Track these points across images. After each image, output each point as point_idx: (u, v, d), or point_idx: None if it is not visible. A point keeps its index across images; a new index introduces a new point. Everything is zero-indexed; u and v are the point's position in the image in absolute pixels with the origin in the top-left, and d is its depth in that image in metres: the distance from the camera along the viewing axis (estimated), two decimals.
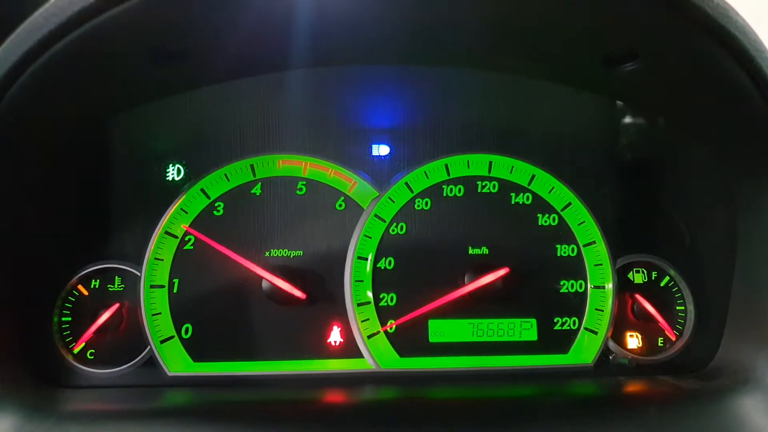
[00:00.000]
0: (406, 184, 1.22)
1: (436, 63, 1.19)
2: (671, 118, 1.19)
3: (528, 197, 1.23)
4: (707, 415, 0.91)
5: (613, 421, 0.91)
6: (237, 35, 0.94)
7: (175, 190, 1.19)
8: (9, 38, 0.78)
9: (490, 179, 1.24)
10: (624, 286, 1.22)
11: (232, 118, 1.22)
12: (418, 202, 1.22)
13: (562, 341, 1.19)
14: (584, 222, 1.22)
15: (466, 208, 1.22)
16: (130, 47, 0.89)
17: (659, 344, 1.20)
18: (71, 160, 1.12)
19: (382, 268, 1.19)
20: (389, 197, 1.22)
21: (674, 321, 1.21)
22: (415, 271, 1.19)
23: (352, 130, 1.25)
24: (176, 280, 1.16)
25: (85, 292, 1.15)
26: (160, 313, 1.14)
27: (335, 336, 1.17)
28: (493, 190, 1.23)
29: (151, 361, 1.12)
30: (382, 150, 1.25)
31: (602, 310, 1.19)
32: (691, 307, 1.21)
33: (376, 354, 1.16)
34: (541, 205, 1.23)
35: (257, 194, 1.20)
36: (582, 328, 1.19)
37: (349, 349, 1.16)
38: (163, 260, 1.16)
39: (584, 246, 1.22)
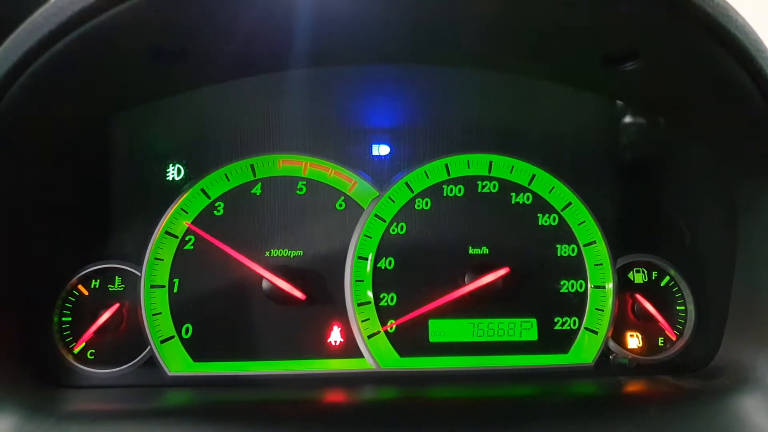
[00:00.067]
0: (407, 183, 1.22)
1: (437, 63, 1.19)
2: (671, 118, 1.19)
3: (528, 197, 1.23)
4: (708, 415, 0.91)
5: (614, 420, 0.91)
6: (237, 35, 0.94)
7: (175, 190, 1.19)
8: (9, 38, 0.78)
9: (491, 179, 1.24)
10: (624, 286, 1.22)
11: (232, 118, 1.22)
12: (419, 201, 1.22)
13: (563, 341, 1.19)
14: (584, 222, 1.22)
15: (467, 207, 1.22)
16: (130, 47, 0.89)
17: (659, 344, 1.20)
18: (71, 160, 1.12)
19: (383, 268, 1.19)
20: (389, 197, 1.22)
21: (674, 321, 1.21)
22: (416, 270, 1.19)
23: (352, 130, 1.25)
24: (176, 280, 1.16)
25: (86, 292, 1.15)
26: (160, 313, 1.14)
27: (335, 336, 1.17)
28: (493, 190, 1.23)
29: (152, 361, 1.12)
30: (382, 150, 1.25)
31: (602, 310, 1.19)
32: (691, 307, 1.21)
33: (377, 354, 1.16)
34: (541, 204, 1.23)
35: (257, 194, 1.20)
36: (582, 327, 1.19)
37: (350, 349, 1.16)
38: (163, 260, 1.16)
39: (584, 246, 1.22)
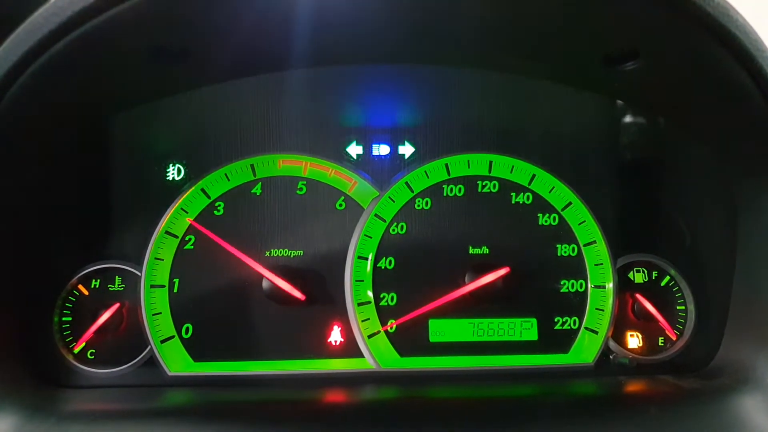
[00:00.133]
0: (407, 183, 1.23)
1: (437, 63, 1.19)
2: (671, 117, 1.19)
3: (528, 197, 1.23)
4: (708, 415, 0.91)
5: (614, 420, 0.91)
6: (237, 35, 0.94)
7: (176, 189, 1.19)
8: (9, 38, 0.78)
9: (491, 179, 1.24)
10: (624, 286, 1.22)
11: (232, 118, 1.22)
12: (419, 201, 1.22)
13: (563, 341, 1.19)
14: (584, 221, 1.22)
15: (467, 207, 1.22)
16: (131, 47, 0.89)
17: (660, 344, 1.20)
18: (71, 160, 1.12)
19: (383, 267, 1.19)
20: (389, 197, 1.22)
21: (675, 320, 1.21)
22: (416, 270, 1.19)
23: (352, 130, 1.25)
24: (176, 280, 1.16)
25: (86, 292, 1.15)
26: (160, 313, 1.14)
27: (336, 336, 1.17)
28: (493, 190, 1.23)
29: (152, 361, 1.12)
30: (382, 150, 1.25)
31: (603, 310, 1.19)
32: (691, 307, 1.21)
33: (377, 354, 1.16)
34: (541, 204, 1.23)
35: (257, 194, 1.20)
36: (582, 327, 1.19)
37: (350, 349, 1.16)
38: (163, 260, 1.16)
39: (585, 245, 1.22)
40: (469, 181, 1.23)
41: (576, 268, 1.21)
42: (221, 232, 1.16)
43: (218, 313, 1.15)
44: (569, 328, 1.19)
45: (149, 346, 1.12)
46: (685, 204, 1.25)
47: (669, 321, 1.20)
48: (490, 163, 1.24)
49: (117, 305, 1.13)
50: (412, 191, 1.22)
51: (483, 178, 1.24)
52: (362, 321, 1.17)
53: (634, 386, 1.11)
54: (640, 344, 1.20)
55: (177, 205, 1.18)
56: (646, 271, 1.23)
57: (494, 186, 1.23)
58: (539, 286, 1.20)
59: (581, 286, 1.21)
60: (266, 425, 0.89)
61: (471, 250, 1.20)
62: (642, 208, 1.26)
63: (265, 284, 1.13)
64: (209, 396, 1.06)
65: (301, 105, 1.22)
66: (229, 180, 1.20)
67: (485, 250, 1.20)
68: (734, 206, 1.08)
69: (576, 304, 1.20)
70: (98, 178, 1.18)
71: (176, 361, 1.13)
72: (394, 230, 1.21)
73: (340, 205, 1.21)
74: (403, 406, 1.03)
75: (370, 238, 1.20)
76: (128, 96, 1.11)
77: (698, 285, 1.21)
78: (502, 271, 1.15)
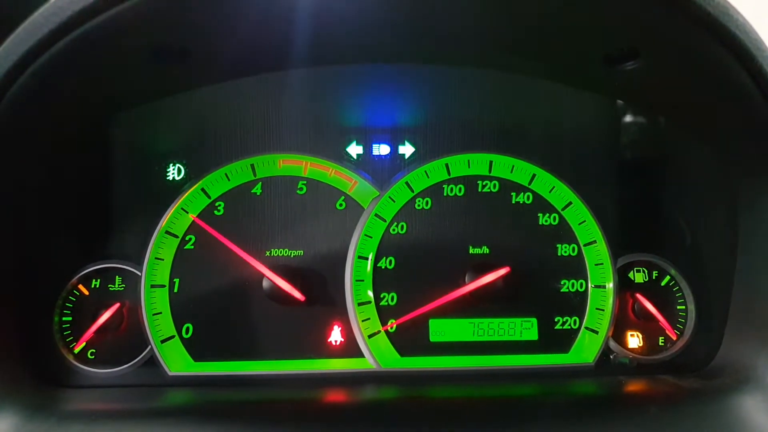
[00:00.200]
0: (407, 183, 1.22)
1: (437, 62, 1.19)
2: (672, 117, 1.19)
3: (528, 197, 1.23)
4: (708, 415, 0.91)
5: (614, 420, 0.91)
6: (237, 35, 0.94)
7: (176, 189, 1.19)
8: (9, 38, 0.78)
9: (491, 179, 1.24)
10: (625, 286, 1.22)
11: (232, 117, 1.22)
12: (419, 201, 1.22)
13: (563, 341, 1.19)
14: (585, 221, 1.22)
15: (467, 207, 1.22)
16: (131, 47, 0.89)
17: (660, 343, 1.20)
18: (71, 160, 1.12)
19: (383, 267, 1.19)
20: (390, 197, 1.22)
21: (675, 320, 1.21)
22: (416, 270, 1.19)
23: (352, 130, 1.25)
24: (177, 280, 1.16)
25: (86, 292, 1.15)
26: (160, 313, 1.14)
27: (336, 335, 1.17)
28: (493, 190, 1.23)
29: (152, 361, 1.12)
30: (382, 150, 1.25)
31: (603, 310, 1.19)
32: (691, 307, 1.21)
33: (377, 353, 1.16)
34: (541, 204, 1.23)
35: (258, 194, 1.20)
36: (583, 327, 1.19)
37: (350, 349, 1.16)
38: (163, 260, 1.16)
39: (585, 245, 1.22)
40: (470, 181, 1.23)
41: (576, 267, 1.21)
42: (221, 232, 1.16)
43: (218, 313, 1.15)
44: (569, 327, 1.19)
45: (149, 346, 1.12)
46: (685, 204, 1.24)
47: (669, 321, 1.19)
48: (491, 162, 1.24)
49: (117, 305, 1.13)
50: (413, 191, 1.22)
51: (483, 177, 1.24)
52: (362, 321, 1.17)
53: (634, 386, 1.10)
54: (641, 344, 1.20)
55: (177, 204, 1.18)
56: (646, 271, 1.23)
57: (494, 186, 1.23)
58: (539, 286, 1.20)
59: (581, 286, 1.20)
60: (266, 425, 0.89)
61: (471, 250, 1.20)
62: (642, 207, 1.26)
63: (265, 284, 1.13)
64: (209, 396, 1.06)
65: (301, 105, 1.22)
66: (229, 180, 1.20)
67: (485, 249, 1.20)
68: (734, 206, 1.08)
69: (576, 304, 1.20)
70: (98, 177, 1.18)
71: (176, 361, 1.13)
72: (394, 230, 1.21)
73: (341, 204, 1.21)
74: (403, 406, 1.03)
75: (371, 237, 1.20)
76: (128, 96, 1.11)
77: (698, 285, 1.21)
78: (503, 271, 1.15)
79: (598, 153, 1.27)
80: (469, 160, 1.24)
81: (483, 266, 1.16)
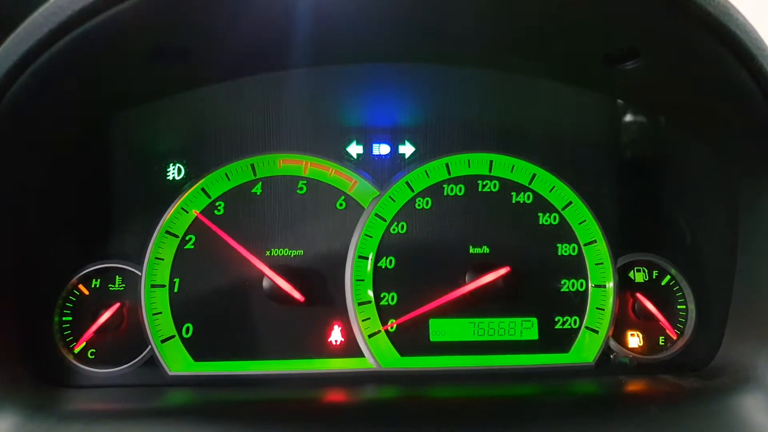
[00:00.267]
0: (407, 183, 1.22)
1: (437, 61, 1.19)
2: (672, 117, 1.19)
3: (529, 196, 1.23)
4: (708, 414, 0.91)
5: (614, 420, 0.91)
6: (237, 34, 0.94)
7: (176, 189, 1.19)
8: (9, 38, 0.78)
9: (491, 178, 1.24)
10: (625, 285, 1.22)
11: (232, 117, 1.22)
12: (419, 201, 1.22)
13: (563, 340, 1.19)
14: (585, 221, 1.22)
15: (467, 207, 1.22)
16: (131, 46, 0.89)
17: (660, 343, 1.20)
18: (71, 160, 1.12)
19: (383, 267, 1.19)
20: (390, 196, 1.22)
21: (675, 320, 1.21)
22: (416, 270, 1.19)
23: (352, 130, 1.25)
24: (177, 280, 1.16)
25: (86, 292, 1.15)
26: (160, 313, 1.14)
27: (336, 335, 1.17)
28: (493, 189, 1.23)
29: (152, 361, 1.12)
30: (382, 149, 1.25)
31: (603, 309, 1.19)
32: (692, 306, 1.21)
33: (377, 353, 1.16)
34: (541, 204, 1.23)
35: (258, 193, 1.20)
36: (583, 327, 1.19)
37: (350, 349, 1.16)
38: (163, 260, 1.16)
39: (585, 245, 1.22)
40: (470, 181, 1.23)
41: (576, 267, 1.21)
42: (222, 232, 1.16)
43: (219, 313, 1.15)
44: (570, 327, 1.19)
45: (149, 346, 1.12)
46: (685, 203, 1.24)
47: (669, 320, 1.19)
48: (491, 162, 1.24)
49: (117, 305, 1.13)
50: (413, 191, 1.22)
51: (483, 177, 1.23)
52: (363, 320, 1.17)
53: (634, 386, 1.10)
54: (641, 343, 1.20)
55: (177, 204, 1.18)
56: (646, 271, 1.23)
57: (495, 185, 1.23)
58: (540, 286, 1.20)
59: (582, 286, 1.20)
60: (266, 425, 0.89)
61: (471, 250, 1.20)
62: (642, 207, 1.26)
63: (265, 284, 1.13)
64: (209, 396, 1.06)
65: (301, 105, 1.22)
66: (229, 179, 1.20)
67: (486, 249, 1.20)
68: (734, 206, 1.08)
69: (576, 304, 1.20)
70: (98, 177, 1.18)
71: (176, 361, 1.13)
72: (394, 230, 1.21)
73: (341, 204, 1.21)
74: (403, 406, 1.03)
75: (371, 237, 1.20)
76: (128, 96, 1.11)
77: (699, 284, 1.21)
78: (503, 271, 1.15)
79: (598, 153, 1.27)
80: (469, 160, 1.24)
81: (483, 266, 1.16)
